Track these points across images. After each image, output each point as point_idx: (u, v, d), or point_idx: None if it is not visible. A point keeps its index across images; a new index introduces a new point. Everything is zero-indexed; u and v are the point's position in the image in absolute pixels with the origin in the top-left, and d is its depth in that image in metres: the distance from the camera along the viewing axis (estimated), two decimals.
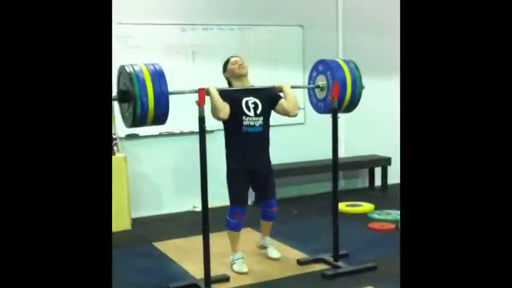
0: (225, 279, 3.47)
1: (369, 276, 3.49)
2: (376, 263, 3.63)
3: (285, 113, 3.58)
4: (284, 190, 5.98)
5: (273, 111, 3.64)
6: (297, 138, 5.96)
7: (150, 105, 2.86)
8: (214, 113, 3.36)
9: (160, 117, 2.95)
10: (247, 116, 3.47)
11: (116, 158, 4.79)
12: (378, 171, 6.20)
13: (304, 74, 5.85)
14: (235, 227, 3.66)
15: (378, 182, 6.22)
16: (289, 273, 3.59)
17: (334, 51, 6.06)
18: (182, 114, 5.07)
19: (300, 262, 3.75)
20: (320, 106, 3.76)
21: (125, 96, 2.95)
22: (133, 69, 2.91)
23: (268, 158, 3.69)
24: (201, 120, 3.10)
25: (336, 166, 3.71)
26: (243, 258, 3.70)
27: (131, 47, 5.07)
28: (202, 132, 3.12)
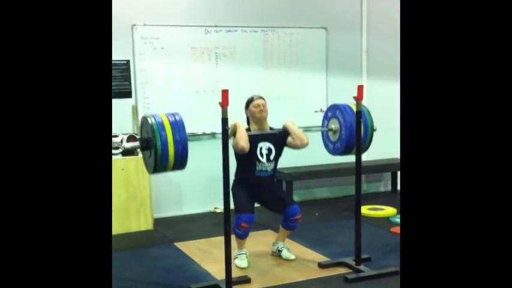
0: (246, 280, 3.47)
1: (392, 281, 3.45)
2: (399, 268, 3.59)
3: (296, 147, 3.75)
4: (306, 192, 5.96)
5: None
6: (319, 141, 5.93)
7: (170, 153, 3.04)
8: (238, 142, 3.49)
9: (180, 163, 3.14)
10: (260, 162, 3.68)
11: (139, 158, 4.82)
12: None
13: (327, 76, 5.84)
14: (241, 237, 3.75)
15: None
16: (310, 276, 3.57)
17: (358, 54, 6.03)
18: (205, 115, 5.12)
19: (321, 265, 3.73)
20: (336, 147, 3.83)
21: (147, 144, 3.13)
22: (154, 119, 3.07)
23: (277, 186, 3.94)
24: (224, 121, 3.12)
25: (359, 169, 3.69)
26: (245, 254, 3.80)
27: (156, 48, 5.12)
28: (225, 134, 3.14)
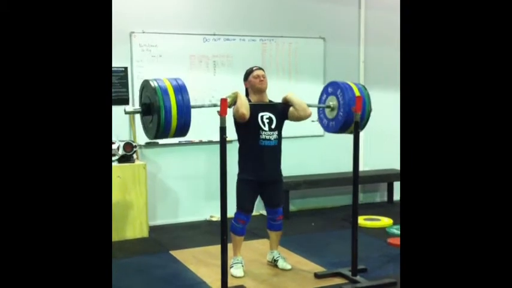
0: None
1: None
2: (395, 278, 3.58)
3: (298, 118, 3.68)
4: (302, 202, 5.95)
5: (288, 121, 3.76)
6: (315, 151, 5.94)
7: (173, 116, 2.95)
8: (238, 109, 3.45)
9: (183, 128, 3.04)
10: (263, 130, 3.61)
11: (136, 166, 4.82)
12: (397, 185, 6.14)
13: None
14: (239, 232, 3.75)
15: (396, 196, 6.16)
16: (306, 287, 3.55)
17: (356, 64, 6.05)
18: (202, 124, 5.11)
19: (317, 275, 3.71)
20: (330, 125, 3.83)
21: (148, 109, 3.06)
22: (157, 83, 3.01)
23: (280, 169, 3.80)
24: (222, 130, 3.11)
25: (356, 179, 3.68)
26: (241, 263, 3.78)
27: (154, 56, 5.12)
28: (223, 142, 3.12)
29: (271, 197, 3.79)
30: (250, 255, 4.09)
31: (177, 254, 4.31)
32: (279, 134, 3.70)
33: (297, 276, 3.75)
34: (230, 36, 5.41)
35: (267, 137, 3.62)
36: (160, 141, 5.19)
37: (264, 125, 3.61)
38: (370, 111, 3.71)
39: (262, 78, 3.67)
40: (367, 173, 5.97)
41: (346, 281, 3.60)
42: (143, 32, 5.08)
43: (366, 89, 3.75)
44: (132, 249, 4.50)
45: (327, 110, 3.84)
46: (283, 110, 3.69)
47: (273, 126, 3.64)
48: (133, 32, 5.05)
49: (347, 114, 3.60)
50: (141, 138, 5.11)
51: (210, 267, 3.88)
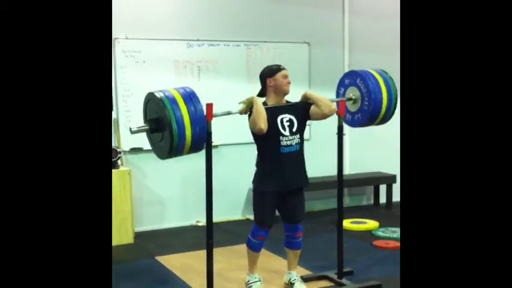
0: None
1: None
2: (381, 281, 3.60)
3: (323, 116, 3.36)
4: None
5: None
6: (305, 155, 5.94)
7: (187, 131, 2.65)
8: (256, 122, 3.15)
9: (199, 142, 2.78)
10: (283, 135, 3.28)
11: (120, 172, 4.79)
12: (382, 188, 6.18)
13: (310, 91, 5.87)
14: (256, 248, 3.48)
15: (382, 199, 6.19)
16: None
17: (341, 68, 6.07)
18: None
19: (304, 279, 3.70)
20: (356, 118, 3.53)
21: (157, 125, 2.72)
22: (163, 94, 2.69)
23: (305, 175, 3.51)
24: (208, 135, 3.09)
25: (341, 183, 3.70)
26: (260, 280, 3.53)
27: (138, 62, 5.11)
28: (209, 147, 3.11)
29: (292, 212, 3.45)
30: (242, 262, 4.08)
31: (163, 260, 4.29)
32: (301, 138, 3.37)
33: (282, 279, 3.74)
34: (214, 42, 5.41)
35: (288, 143, 3.29)
36: (146, 146, 5.15)
37: (285, 129, 3.28)
38: (396, 96, 3.43)
39: (289, 80, 3.36)
40: (353, 176, 6.00)
41: (332, 284, 3.62)
42: (127, 38, 5.07)
43: (392, 79, 3.47)
44: (118, 255, 4.46)
45: (348, 103, 3.53)
46: (304, 110, 3.36)
47: (294, 130, 3.31)
48: (116, 38, 5.03)
49: (374, 102, 3.34)
50: (126, 143, 5.09)
51: (197, 272, 3.86)
